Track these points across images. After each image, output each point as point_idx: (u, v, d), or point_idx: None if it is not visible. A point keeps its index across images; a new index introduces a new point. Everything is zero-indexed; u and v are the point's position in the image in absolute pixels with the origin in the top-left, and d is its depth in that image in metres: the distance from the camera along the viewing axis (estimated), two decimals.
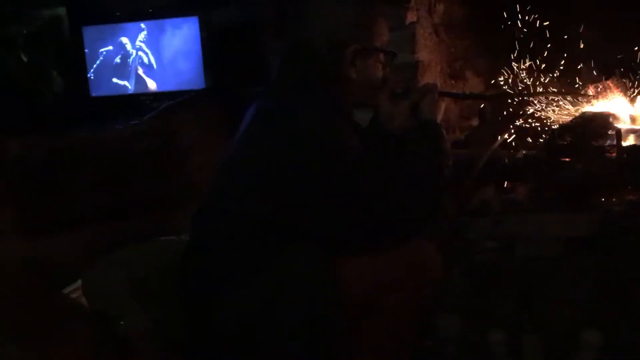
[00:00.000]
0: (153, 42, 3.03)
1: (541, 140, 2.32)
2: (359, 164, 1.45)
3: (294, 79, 1.55)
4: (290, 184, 1.43)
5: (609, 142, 2.21)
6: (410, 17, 2.23)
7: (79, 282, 1.74)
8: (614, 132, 2.18)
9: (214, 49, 2.92)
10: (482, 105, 2.73)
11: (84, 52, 3.08)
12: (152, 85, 3.05)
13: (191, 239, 1.58)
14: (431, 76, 2.32)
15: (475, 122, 2.70)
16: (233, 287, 1.44)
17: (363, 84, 1.57)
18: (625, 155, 2.10)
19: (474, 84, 2.68)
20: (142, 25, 3.02)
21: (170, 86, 3.02)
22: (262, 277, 1.43)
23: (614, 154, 2.12)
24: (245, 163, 1.50)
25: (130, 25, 3.05)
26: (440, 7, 2.38)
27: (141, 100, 3.01)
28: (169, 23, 3.04)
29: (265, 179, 1.45)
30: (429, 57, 2.31)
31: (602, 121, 2.28)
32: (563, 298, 1.94)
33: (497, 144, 2.52)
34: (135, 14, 3.05)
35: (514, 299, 2.03)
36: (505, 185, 2.46)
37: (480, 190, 2.45)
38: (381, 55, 1.59)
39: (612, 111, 2.32)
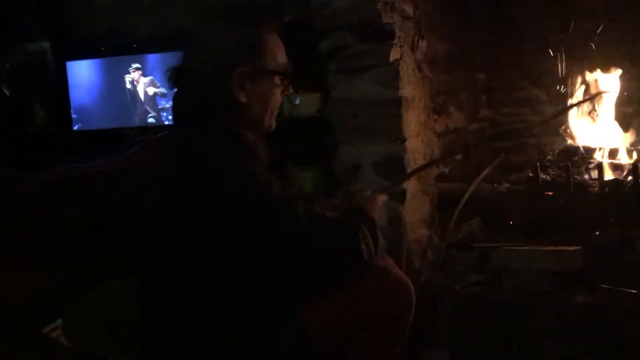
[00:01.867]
0: (148, 77, 3.04)
1: (528, 173, 2.33)
2: (271, 207, 1.35)
3: (185, 109, 1.48)
4: (212, 238, 1.35)
5: (590, 175, 2.23)
6: (394, 54, 2.25)
7: (59, 321, 1.70)
8: (595, 166, 2.20)
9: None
10: (466, 140, 2.77)
11: (67, 86, 3.08)
12: (150, 119, 3.06)
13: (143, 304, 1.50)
14: (415, 112, 2.34)
15: (459, 156, 2.72)
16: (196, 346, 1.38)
17: (255, 108, 1.47)
18: (607, 189, 2.12)
19: (457, 119, 2.71)
20: (130, 60, 3.03)
21: (154, 120, 3.02)
22: (224, 335, 1.37)
23: (597, 188, 2.14)
24: (169, 221, 1.42)
25: (118, 60, 3.06)
26: (423, 44, 2.42)
27: (124, 134, 3.00)
28: (153, 58, 3.06)
29: (191, 236, 1.37)
30: (413, 92, 2.33)
31: (585, 155, 2.31)
32: (550, 332, 1.94)
33: (481, 177, 2.54)
34: (120, 49, 3.07)
35: (501, 333, 2.02)
36: (490, 219, 2.48)
37: (465, 224, 2.46)
38: (276, 78, 1.50)
39: (593, 145, 2.35)
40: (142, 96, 3.06)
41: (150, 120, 3.06)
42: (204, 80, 1.45)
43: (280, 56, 1.51)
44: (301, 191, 1.68)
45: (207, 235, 1.35)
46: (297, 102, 2.63)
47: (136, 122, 3.07)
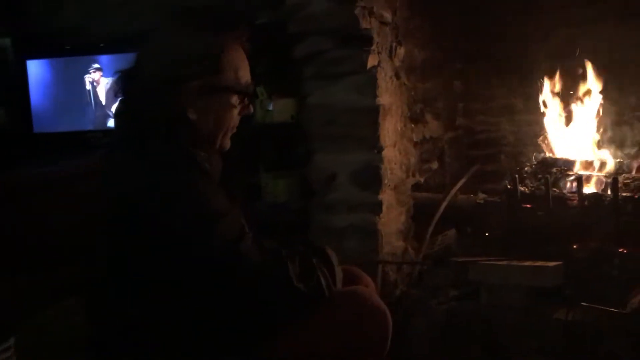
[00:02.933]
0: (109, 78, 2.91)
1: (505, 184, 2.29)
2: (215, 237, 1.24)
3: (128, 122, 1.35)
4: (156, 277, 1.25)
5: (569, 188, 2.20)
6: (372, 60, 2.19)
7: (12, 340, 1.58)
8: (575, 179, 2.17)
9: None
10: (441, 148, 2.73)
11: (27, 86, 2.93)
12: (110, 122, 2.92)
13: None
14: (392, 120, 2.28)
15: (435, 165, 2.68)
16: None
17: (206, 127, 1.34)
18: (586, 203, 2.09)
19: (433, 127, 2.66)
20: (93, 60, 2.90)
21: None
22: None
23: (576, 201, 2.11)
24: (109, 245, 1.31)
25: (79, 59, 2.92)
26: (401, 51, 2.36)
27: (88, 137, 2.87)
28: (121, 58, 2.93)
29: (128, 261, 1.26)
30: (390, 100, 2.27)
31: (563, 167, 2.28)
32: (530, 350, 1.89)
33: (457, 187, 2.50)
34: (85, 48, 2.93)
35: (480, 350, 1.97)
36: (466, 230, 2.44)
37: (441, 235, 2.41)
38: (234, 97, 1.36)
39: (572, 157, 2.32)
40: (102, 98, 2.93)
41: (111, 124, 2.92)
42: (150, 91, 1.32)
43: (241, 73, 1.37)
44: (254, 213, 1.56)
45: (145, 263, 1.25)
46: (271, 107, 2.54)
47: (97, 125, 2.93)
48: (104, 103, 2.92)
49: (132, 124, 1.33)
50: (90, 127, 2.92)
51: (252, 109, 1.42)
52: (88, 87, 2.91)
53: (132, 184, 1.26)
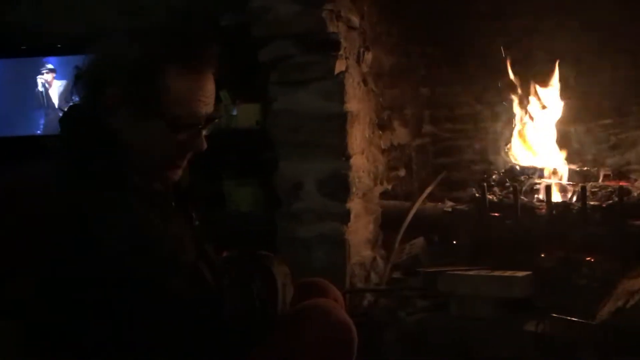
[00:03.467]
0: (63, 80, 2.79)
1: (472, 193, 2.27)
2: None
3: (68, 136, 1.24)
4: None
5: (537, 197, 2.19)
6: (339, 66, 2.14)
7: None
8: (543, 187, 2.16)
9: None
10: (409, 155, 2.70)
11: None
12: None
13: None
14: (360, 127, 2.24)
15: (402, 172, 2.64)
16: None
17: (145, 153, 1.20)
18: (554, 212, 2.07)
19: (401, 134, 2.63)
20: (45, 60, 2.77)
21: None
22: None
23: (544, 210, 2.09)
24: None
25: (31, 60, 2.79)
26: (368, 56, 2.32)
27: (46, 142, 2.73)
28: (80, 60, 2.80)
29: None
30: (358, 107, 2.23)
31: (531, 176, 2.27)
32: None
33: (424, 195, 2.47)
34: (43, 49, 2.80)
35: None
36: (434, 239, 2.41)
37: (409, 244, 2.37)
38: (177, 128, 1.20)
39: (539, 165, 2.31)
40: (56, 102, 2.79)
41: None
42: (86, 99, 1.22)
43: (194, 104, 1.20)
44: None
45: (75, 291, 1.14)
46: (235, 112, 2.47)
47: (49, 130, 2.79)
48: (56, 106, 2.79)
49: (71, 135, 1.23)
50: (40, 132, 2.78)
51: (204, 146, 1.23)
52: (40, 88, 2.78)
53: (66, 201, 1.14)
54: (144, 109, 1.18)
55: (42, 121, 2.80)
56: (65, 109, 1.29)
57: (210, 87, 1.22)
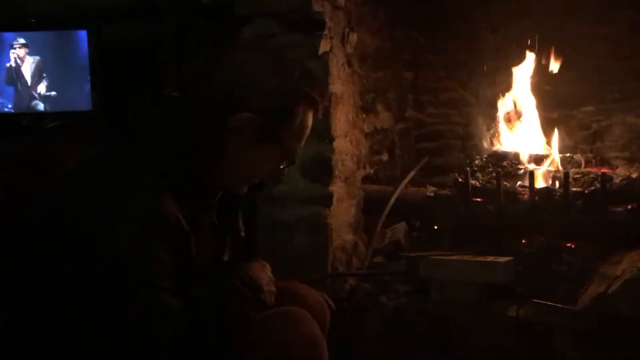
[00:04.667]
0: (38, 56, 2.70)
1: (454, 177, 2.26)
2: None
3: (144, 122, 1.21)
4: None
5: (520, 182, 2.18)
6: (324, 46, 2.10)
7: None
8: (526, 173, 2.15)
9: (103, 67, 2.65)
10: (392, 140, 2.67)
11: None
12: (34, 104, 2.70)
13: None
14: (344, 110, 2.20)
15: (385, 156, 2.62)
16: None
17: (231, 175, 1.23)
18: (537, 198, 2.07)
19: (384, 118, 2.60)
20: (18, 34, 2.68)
21: (54, 106, 2.69)
22: None
23: (527, 196, 2.09)
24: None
25: (8, 36, 2.70)
26: (353, 37, 2.28)
27: (18, 120, 2.66)
28: (54, 35, 2.72)
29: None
30: (343, 89, 2.19)
31: (514, 161, 2.26)
32: (481, 348, 1.86)
33: (407, 179, 2.45)
34: (16, 24, 2.71)
35: (430, 348, 1.92)
36: (416, 224, 2.40)
37: (390, 229, 2.36)
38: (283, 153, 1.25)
39: (523, 151, 2.31)
40: (28, 78, 2.71)
41: (39, 107, 2.70)
42: (193, 111, 1.18)
43: (302, 139, 1.28)
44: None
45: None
46: None
47: (19, 107, 2.70)
48: (29, 83, 2.70)
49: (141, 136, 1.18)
50: (10, 109, 2.69)
51: (283, 173, 1.35)
52: (13, 63, 2.68)
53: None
54: (267, 136, 1.20)
55: (11, 97, 2.70)
56: (167, 101, 1.23)
57: (311, 124, 1.28)
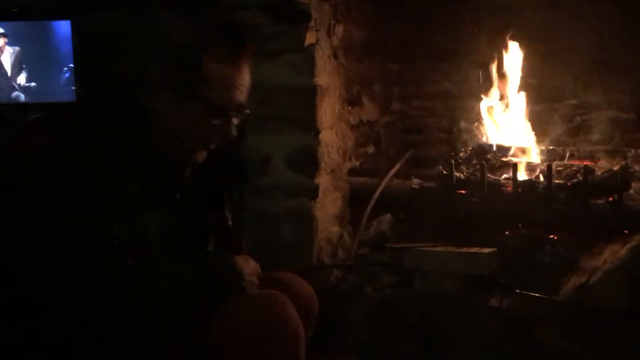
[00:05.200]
0: (17, 47, 2.66)
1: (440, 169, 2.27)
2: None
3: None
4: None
5: (504, 175, 2.20)
6: (310, 38, 2.09)
7: None
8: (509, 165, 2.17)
9: (88, 57, 2.62)
10: (379, 132, 2.68)
11: None
12: (15, 95, 2.67)
13: None
14: (330, 102, 2.21)
15: (371, 149, 2.63)
16: None
17: (176, 136, 1.20)
18: (520, 190, 2.09)
19: (370, 110, 2.61)
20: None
21: (34, 97, 2.66)
22: None
23: (510, 188, 2.11)
24: None
25: None
26: (339, 29, 2.28)
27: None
28: (33, 25, 2.69)
29: None
30: (328, 81, 2.19)
31: (498, 154, 2.28)
32: (465, 338, 1.88)
33: (392, 172, 2.46)
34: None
35: (415, 338, 1.94)
36: (401, 216, 2.41)
37: (376, 221, 2.37)
38: (210, 111, 1.20)
39: (506, 143, 2.33)
40: (7, 69, 2.67)
41: (20, 98, 2.66)
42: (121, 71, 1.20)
43: (233, 91, 1.21)
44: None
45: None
46: None
47: (0, 98, 2.67)
48: (9, 74, 2.66)
49: (99, 105, 1.20)
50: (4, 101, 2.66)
51: (233, 133, 1.23)
52: None
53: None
54: (184, 91, 1.18)
55: None
56: (94, 72, 1.28)
57: (247, 77, 1.24)
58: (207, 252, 1.33)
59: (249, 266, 1.28)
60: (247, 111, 1.27)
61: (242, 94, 1.24)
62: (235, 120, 1.24)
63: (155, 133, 1.19)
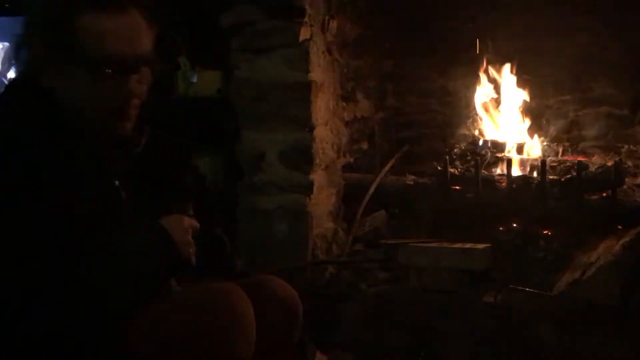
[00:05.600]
0: (4, 43, 2.64)
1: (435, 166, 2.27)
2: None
3: None
4: None
5: (498, 171, 2.21)
6: (304, 33, 2.09)
7: None
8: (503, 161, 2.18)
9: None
10: (372, 128, 2.68)
11: None
12: None
13: None
14: (324, 97, 2.20)
15: (365, 145, 2.62)
16: None
17: (72, 104, 1.13)
18: (514, 185, 2.09)
19: (364, 106, 2.60)
20: None
21: None
22: None
23: (504, 184, 2.11)
24: None
25: None
26: (333, 25, 2.27)
27: None
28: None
29: None
30: (323, 77, 2.18)
31: (492, 150, 2.29)
32: (459, 333, 1.88)
33: (386, 168, 2.46)
34: None
35: (409, 334, 1.94)
36: (395, 212, 2.41)
37: (370, 217, 2.37)
38: (99, 70, 1.11)
39: (501, 139, 2.33)
40: None
41: None
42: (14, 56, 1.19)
43: (117, 44, 1.11)
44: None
45: None
46: (194, 80, 2.39)
47: None
48: None
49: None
50: None
51: (140, 91, 1.15)
52: None
53: None
54: (65, 58, 1.11)
55: None
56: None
57: (133, 24, 1.14)
58: (139, 223, 1.19)
59: (181, 225, 1.17)
60: (159, 66, 1.19)
61: (132, 46, 1.13)
62: (139, 77, 1.14)
63: (57, 112, 1.13)
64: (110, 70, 1.12)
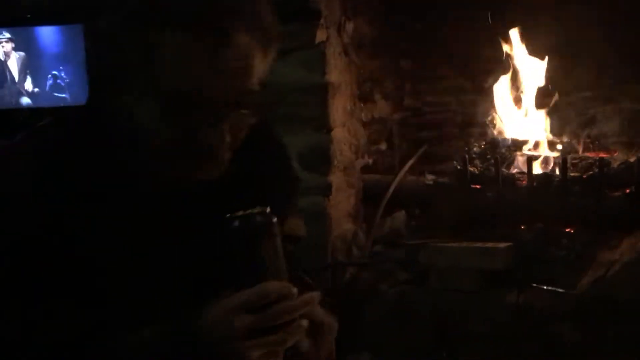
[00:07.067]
0: (27, 52, 2.68)
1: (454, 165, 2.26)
2: None
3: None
4: None
5: (518, 169, 2.19)
6: (320, 35, 2.10)
7: None
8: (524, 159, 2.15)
9: (99, 61, 2.62)
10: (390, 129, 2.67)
11: None
12: (25, 100, 2.69)
13: None
14: (341, 99, 2.21)
15: (383, 146, 2.62)
16: None
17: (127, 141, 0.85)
18: (535, 184, 2.07)
19: (382, 107, 2.60)
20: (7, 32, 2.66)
21: (48, 101, 2.69)
22: None
23: (525, 182, 2.09)
24: None
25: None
26: (350, 26, 2.28)
27: (13, 116, 2.65)
28: (48, 30, 2.71)
29: None
30: (340, 78, 2.19)
31: (512, 148, 2.27)
32: (480, 334, 1.87)
33: (405, 168, 2.45)
34: (9, 19, 2.70)
35: (430, 335, 1.93)
36: (415, 213, 2.40)
37: (390, 218, 2.36)
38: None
39: (520, 137, 2.31)
40: (15, 74, 2.69)
41: (27, 103, 2.69)
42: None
43: (210, 76, 0.80)
44: None
45: None
46: None
47: (9, 103, 2.68)
48: (16, 79, 2.68)
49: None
50: (16, 106, 2.69)
51: (224, 139, 0.82)
52: (1, 57, 2.65)
53: None
54: (140, 89, 0.82)
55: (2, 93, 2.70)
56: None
57: (239, 51, 0.80)
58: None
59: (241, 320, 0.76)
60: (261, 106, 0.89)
61: (233, 79, 0.81)
62: (238, 121, 0.83)
63: (115, 142, 0.86)
64: (189, 111, 0.81)
